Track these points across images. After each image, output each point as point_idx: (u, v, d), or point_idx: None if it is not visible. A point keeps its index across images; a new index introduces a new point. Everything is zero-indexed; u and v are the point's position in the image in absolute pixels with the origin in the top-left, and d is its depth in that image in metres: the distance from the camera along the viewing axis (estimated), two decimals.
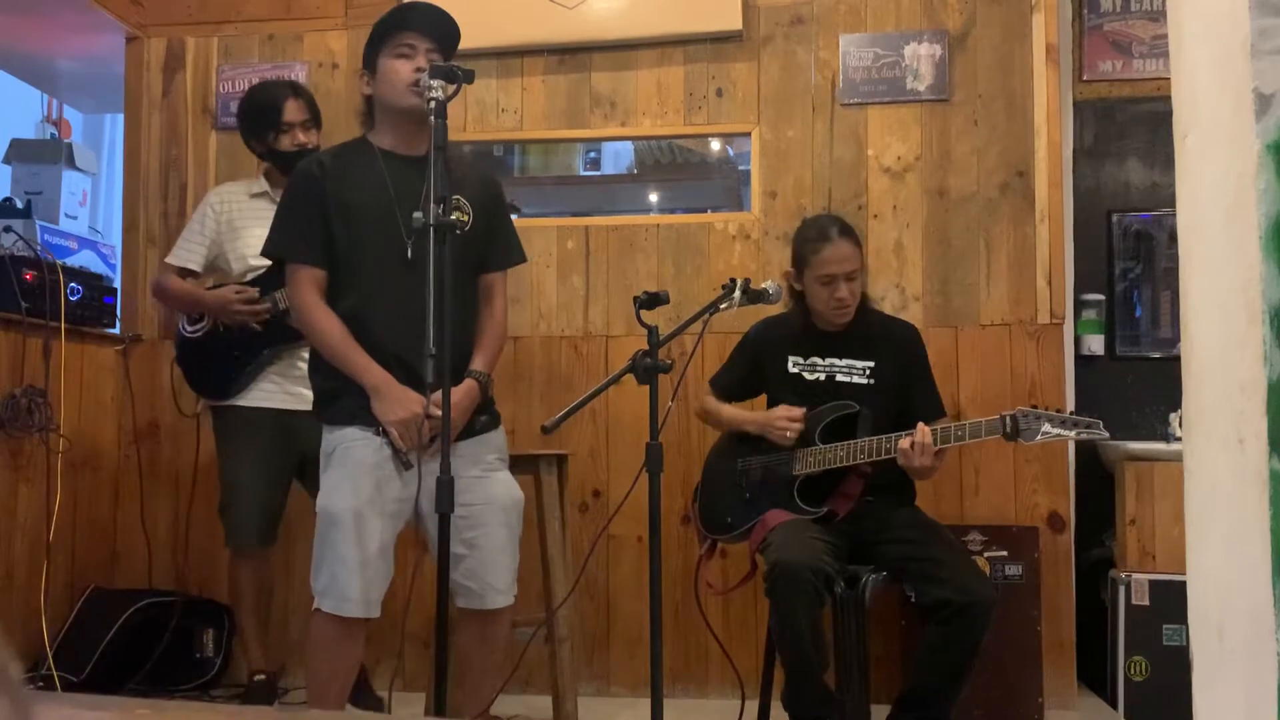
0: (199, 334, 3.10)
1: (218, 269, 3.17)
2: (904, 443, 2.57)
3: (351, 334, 2.31)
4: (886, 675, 3.14)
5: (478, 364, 2.40)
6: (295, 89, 3.15)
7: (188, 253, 3.13)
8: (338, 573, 2.22)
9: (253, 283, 3.07)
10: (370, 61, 2.40)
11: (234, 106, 3.73)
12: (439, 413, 2.15)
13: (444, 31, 2.38)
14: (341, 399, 2.31)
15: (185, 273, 3.13)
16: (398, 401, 2.24)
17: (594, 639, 3.43)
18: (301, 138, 3.08)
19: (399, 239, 2.28)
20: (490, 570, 2.33)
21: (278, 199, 2.96)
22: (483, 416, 2.41)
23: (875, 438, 2.64)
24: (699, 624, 3.10)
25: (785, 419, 2.75)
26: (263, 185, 3.17)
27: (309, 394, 2.50)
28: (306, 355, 2.82)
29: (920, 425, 2.57)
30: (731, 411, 2.96)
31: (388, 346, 2.29)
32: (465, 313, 2.39)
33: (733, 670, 2.91)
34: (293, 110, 3.08)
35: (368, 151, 2.39)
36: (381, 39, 2.37)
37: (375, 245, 2.31)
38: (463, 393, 2.32)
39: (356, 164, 2.38)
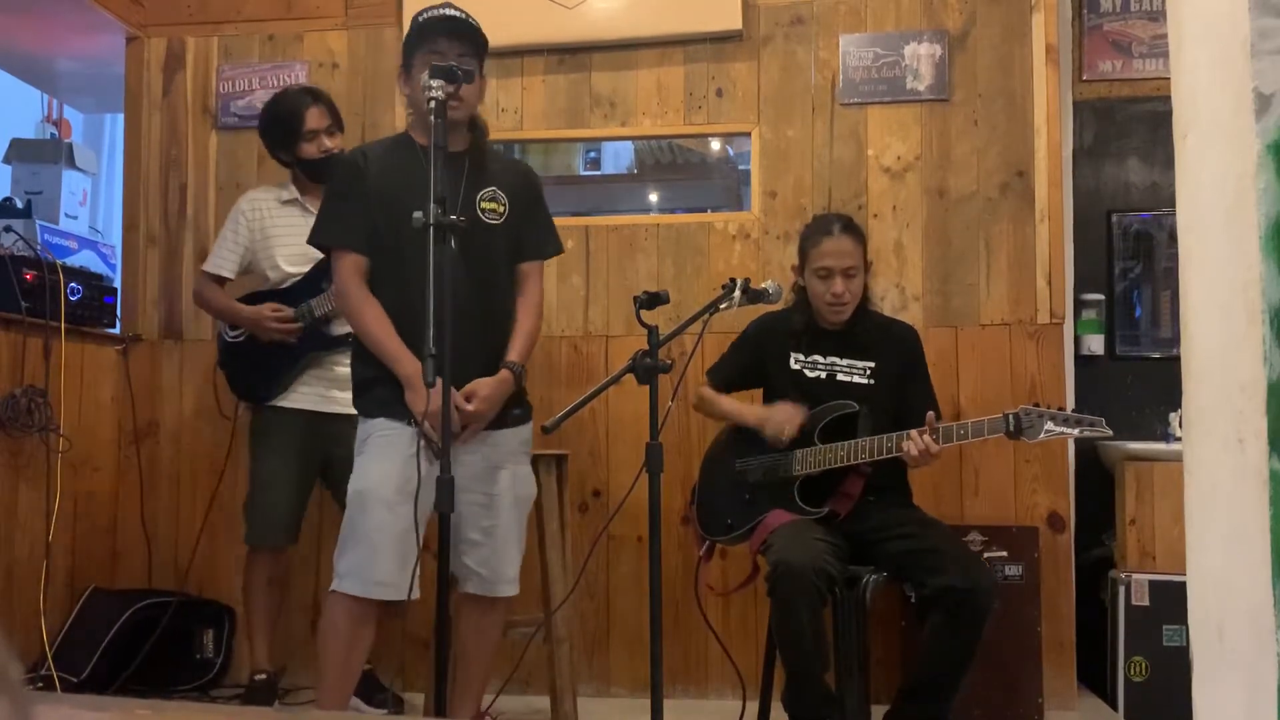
0: (240, 339, 3.18)
1: (253, 273, 3.24)
2: (907, 445, 2.57)
3: (393, 323, 2.36)
4: (886, 675, 3.14)
5: (512, 355, 2.44)
6: (314, 95, 3.17)
7: (222, 260, 3.20)
8: (363, 555, 2.26)
9: (289, 290, 3.13)
10: (408, 62, 2.43)
11: (234, 106, 3.75)
12: (469, 407, 2.27)
13: (470, 34, 2.40)
14: (375, 389, 2.37)
15: (221, 279, 3.20)
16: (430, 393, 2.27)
17: (594, 639, 3.43)
18: (327, 143, 3.12)
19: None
20: (503, 560, 2.41)
21: (308, 206, 3.11)
22: (515, 410, 2.47)
23: (876, 437, 2.64)
24: (699, 624, 3.09)
25: (787, 415, 2.74)
26: (292, 192, 3.21)
27: (342, 396, 2.55)
28: (341, 359, 2.93)
29: (916, 433, 2.56)
30: (731, 403, 2.94)
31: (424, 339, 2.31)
32: (503, 304, 2.47)
33: (734, 670, 2.91)
34: (314, 117, 3.11)
35: (409, 146, 2.44)
36: (415, 44, 2.40)
37: (417, 238, 2.32)
38: (496, 384, 2.37)
39: (398, 158, 2.43)
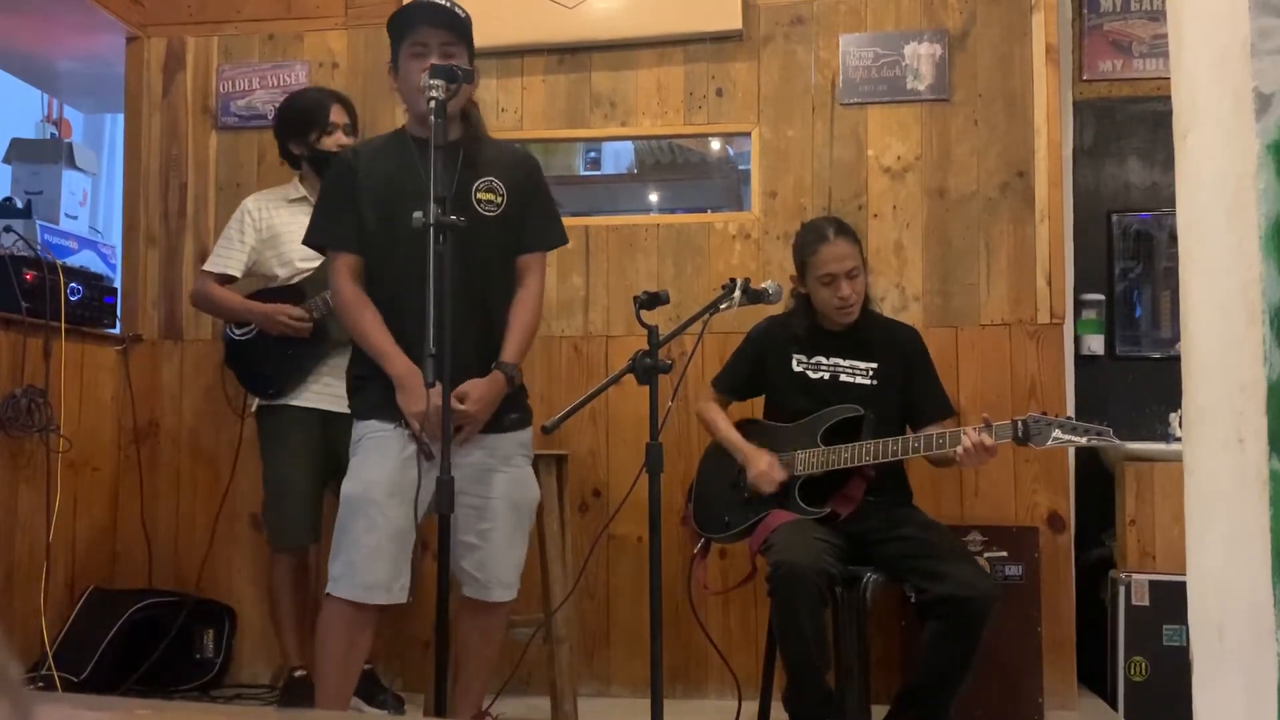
0: (248, 336, 3.19)
1: (257, 274, 3.24)
2: (964, 440, 2.53)
3: (384, 321, 2.34)
4: (886, 675, 3.14)
5: (505, 355, 2.39)
6: (338, 96, 3.23)
7: (227, 259, 3.20)
8: (355, 559, 2.24)
9: (299, 285, 3.15)
10: (395, 59, 2.42)
11: (234, 106, 3.75)
12: (463, 407, 2.23)
13: (453, 20, 2.36)
14: (367, 390, 2.36)
15: (225, 279, 3.20)
16: (420, 394, 2.22)
17: (594, 639, 3.43)
18: (344, 139, 3.14)
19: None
20: (498, 564, 2.37)
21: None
22: (513, 414, 2.42)
23: (880, 440, 2.64)
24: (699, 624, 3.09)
25: (767, 475, 2.74)
26: (299, 190, 3.22)
27: None
28: None
29: (970, 431, 2.54)
30: (727, 430, 2.92)
31: (416, 336, 2.25)
32: (501, 299, 2.42)
33: (730, 672, 2.91)
34: (338, 112, 3.16)
35: (401, 140, 2.43)
36: (398, 38, 2.38)
37: (407, 233, 2.27)
38: (488, 385, 2.32)
39: (390, 152, 2.42)
